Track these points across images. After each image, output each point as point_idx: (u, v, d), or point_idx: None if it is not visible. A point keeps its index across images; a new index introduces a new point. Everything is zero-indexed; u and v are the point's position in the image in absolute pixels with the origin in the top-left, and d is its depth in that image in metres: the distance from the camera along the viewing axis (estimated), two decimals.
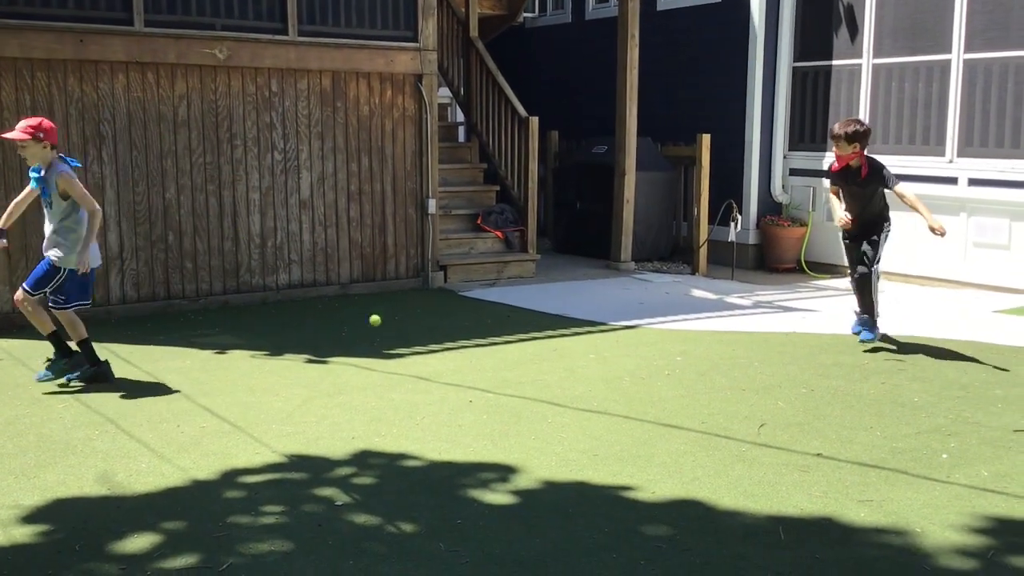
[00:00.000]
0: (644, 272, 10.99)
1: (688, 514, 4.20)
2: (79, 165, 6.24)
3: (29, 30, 7.78)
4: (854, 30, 10.68)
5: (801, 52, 11.26)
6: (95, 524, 4.08)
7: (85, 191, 6.03)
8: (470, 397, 5.98)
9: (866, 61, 10.58)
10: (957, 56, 9.75)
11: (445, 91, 11.97)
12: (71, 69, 8.01)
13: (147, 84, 8.34)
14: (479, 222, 10.76)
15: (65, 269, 6.02)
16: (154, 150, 8.41)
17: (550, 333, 7.76)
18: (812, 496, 4.39)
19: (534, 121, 10.65)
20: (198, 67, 8.55)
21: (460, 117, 12.56)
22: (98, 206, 6.07)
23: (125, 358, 6.81)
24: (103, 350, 6.36)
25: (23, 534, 4.00)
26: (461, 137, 12.25)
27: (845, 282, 10.51)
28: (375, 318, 6.95)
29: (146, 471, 4.71)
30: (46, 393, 6.00)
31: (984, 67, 9.56)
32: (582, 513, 4.21)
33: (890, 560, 3.77)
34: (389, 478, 4.67)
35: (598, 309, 8.69)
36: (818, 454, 4.94)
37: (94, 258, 6.10)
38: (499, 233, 10.70)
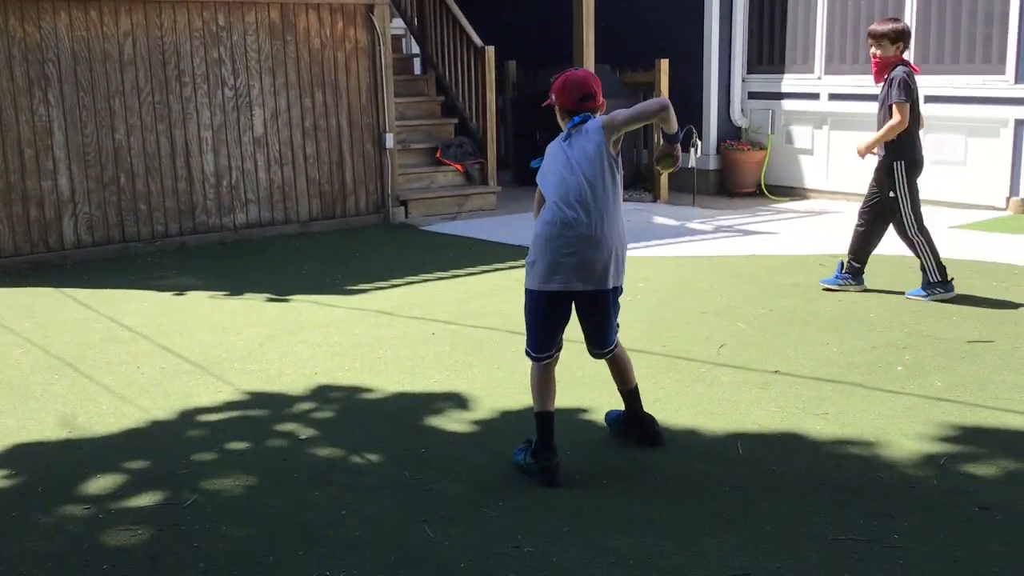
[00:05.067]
0: None
1: None
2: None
3: None
4: None
5: None
6: (58, 467, 4.07)
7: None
8: (433, 329, 5.99)
9: None
10: None
11: (399, 22, 11.75)
12: (11, 8, 7.78)
13: (91, 22, 8.13)
14: (438, 156, 10.66)
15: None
16: (101, 90, 8.22)
17: (512, 264, 7.75)
18: (770, 412, 4.46)
19: (490, 51, 10.50)
20: (142, 3, 8.33)
21: (415, 48, 12.36)
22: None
23: (82, 302, 6.73)
24: (59, 294, 6.28)
25: None
26: (417, 69, 12.06)
27: (804, 204, 10.59)
28: None
29: (107, 413, 4.68)
30: (2, 340, 5.94)
31: None
32: None
33: (846, 469, 3.85)
34: (352, 411, 4.68)
35: None
36: (776, 371, 5.00)
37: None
38: (459, 166, 10.61)
